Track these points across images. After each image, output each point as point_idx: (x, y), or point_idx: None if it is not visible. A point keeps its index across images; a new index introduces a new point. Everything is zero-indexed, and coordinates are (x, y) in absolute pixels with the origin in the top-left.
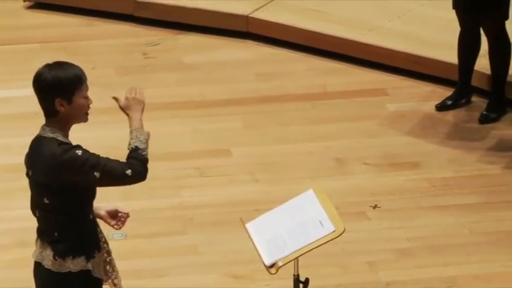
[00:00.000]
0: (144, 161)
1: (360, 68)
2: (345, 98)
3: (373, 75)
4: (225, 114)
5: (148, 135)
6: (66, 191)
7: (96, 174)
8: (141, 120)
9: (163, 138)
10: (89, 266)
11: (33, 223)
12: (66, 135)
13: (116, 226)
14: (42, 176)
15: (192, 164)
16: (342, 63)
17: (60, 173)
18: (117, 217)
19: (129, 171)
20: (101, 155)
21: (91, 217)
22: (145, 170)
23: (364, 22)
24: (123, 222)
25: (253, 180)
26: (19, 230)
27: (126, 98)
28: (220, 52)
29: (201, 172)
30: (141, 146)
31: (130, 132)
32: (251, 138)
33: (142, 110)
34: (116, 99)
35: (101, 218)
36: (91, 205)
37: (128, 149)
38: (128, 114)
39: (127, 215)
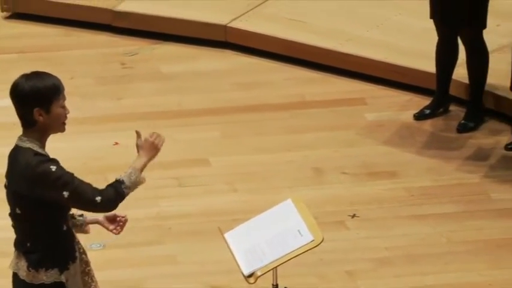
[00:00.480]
0: (121, 195)
1: (338, 77)
2: (323, 107)
3: (351, 84)
4: (203, 123)
5: (143, 181)
6: (38, 203)
7: (65, 193)
8: (145, 164)
9: None
10: (62, 278)
11: (13, 233)
12: (43, 146)
13: (114, 231)
14: (16, 185)
15: (170, 174)
16: (320, 72)
17: (34, 185)
18: (115, 222)
19: (98, 198)
20: (75, 175)
21: (65, 228)
22: (117, 202)
23: (343, 32)
24: (122, 227)
25: (232, 190)
26: None
27: (146, 140)
28: (198, 62)
29: (180, 182)
30: (127, 183)
31: (128, 167)
32: (229, 147)
33: (153, 157)
34: (137, 134)
35: (99, 223)
36: (65, 217)
37: (116, 178)
38: (138, 153)
39: (125, 219)
